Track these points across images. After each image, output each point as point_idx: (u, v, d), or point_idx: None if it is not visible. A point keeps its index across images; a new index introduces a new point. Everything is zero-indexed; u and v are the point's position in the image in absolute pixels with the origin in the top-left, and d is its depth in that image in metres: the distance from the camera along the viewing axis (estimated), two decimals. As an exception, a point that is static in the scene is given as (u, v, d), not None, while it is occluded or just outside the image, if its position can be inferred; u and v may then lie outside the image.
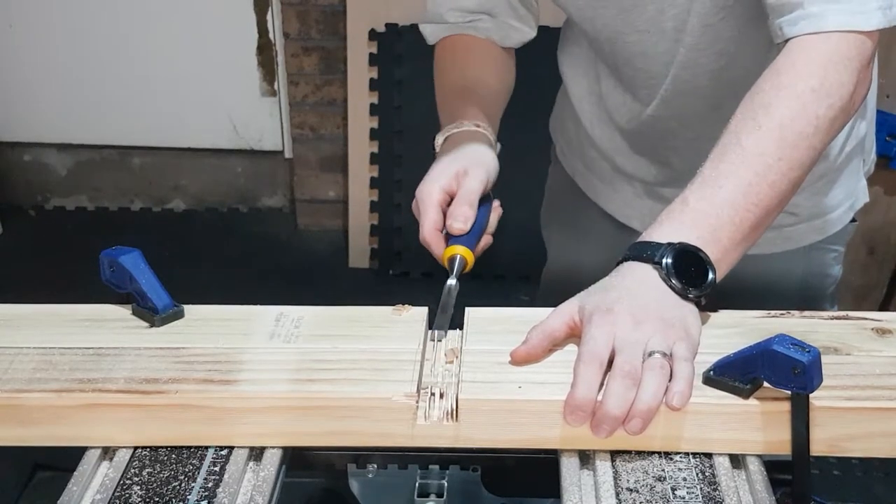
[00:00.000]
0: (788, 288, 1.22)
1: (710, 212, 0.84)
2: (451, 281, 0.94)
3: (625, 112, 1.18)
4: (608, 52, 1.13)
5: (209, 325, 0.89)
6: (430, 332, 0.88)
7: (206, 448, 0.80)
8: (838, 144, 1.12)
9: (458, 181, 0.99)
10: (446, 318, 0.89)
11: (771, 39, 0.93)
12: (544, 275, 1.49)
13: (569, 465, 0.78)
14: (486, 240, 1.00)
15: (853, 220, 1.24)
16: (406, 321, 0.89)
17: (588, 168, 1.30)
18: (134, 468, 0.78)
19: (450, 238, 0.97)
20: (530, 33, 1.21)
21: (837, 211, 1.20)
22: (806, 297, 1.24)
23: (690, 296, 0.82)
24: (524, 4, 1.19)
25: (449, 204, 0.99)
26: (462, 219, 0.96)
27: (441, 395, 0.81)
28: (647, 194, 1.24)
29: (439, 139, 1.07)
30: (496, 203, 1.03)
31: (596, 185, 1.31)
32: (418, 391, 0.80)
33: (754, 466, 0.78)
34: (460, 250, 0.95)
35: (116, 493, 0.75)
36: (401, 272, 2.93)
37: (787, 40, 0.89)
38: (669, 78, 1.07)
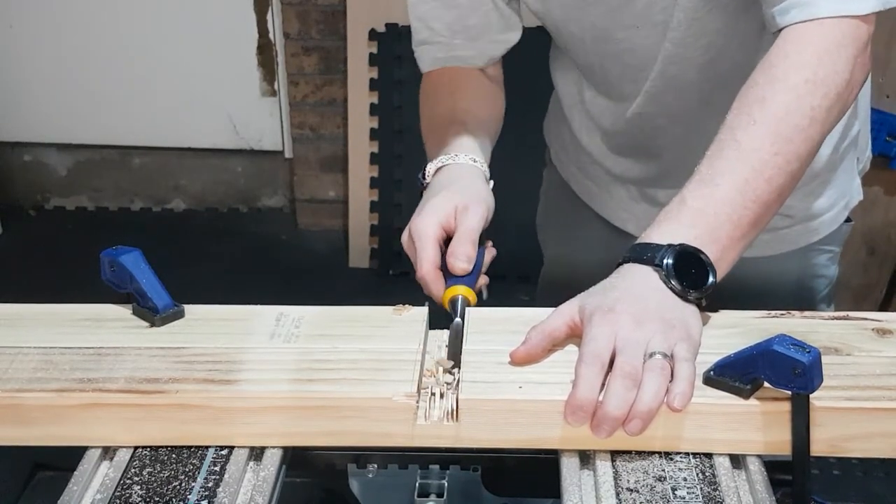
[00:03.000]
0: (784, 290, 1.22)
1: (707, 210, 0.84)
2: (458, 319, 0.89)
3: (609, 116, 1.17)
4: (594, 53, 1.11)
5: (209, 325, 0.89)
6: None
7: (207, 448, 0.80)
8: (832, 144, 1.12)
9: (458, 218, 0.95)
10: (457, 360, 0.85)
11: (759, 30, 0.92)
12: (541, 278, 1.49)
13: (569, 465, 0.78)
14: (483, 280, 0.97)
15: (848, 220, 1.23)
16: (406, 321, 0.89)
17: (582, 172, 1.30)
18: (134, 468, 0.78)
19: (448, 278, 0.93)
20: (514, 37, 1.17)
21: (831, 212, 1.20)
22: (802, 299, 1.24)
23: (691, 297, 0.82)
24: (510, 6, 1.15)
25: (446, 240, 0.95)
26: (465, 258, 0.92)
27: (441, 395, 0.81)
28: (643, 197, 1.23)
29: (431, 168, 1.03)
30: (489, 243, 1.00)
31: (591, 188, 1.30)
32: (418, 391, 0.80)
33: (754, 466, 0.78)
34: (462, 290, 0.91)
35: (117, 493, 0.75)
36: (401, 272, 2.93)
37: (779, 30, 0.88)
38: (656, 73, 1.06)
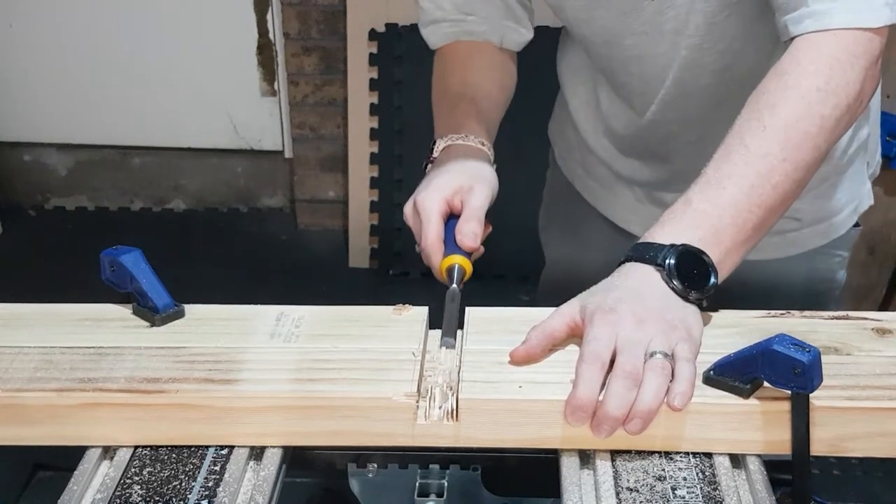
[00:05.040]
0: (792, 293, 1.22)
1: (712, 213, 0.84)
2: (454, 286, 0.93)
3: (623, 119, 1.17)
4: (605, 56, 1.12)
5: (209, 324, 0.89)
6: (441, 341, 0.87)
7: (207, 447, 0.80)
8: (841, 147, 1.12)
9: (463, 196, 0.97)
10: (454, 327, 0.88)
11: (775, 34, 0.92)
12: (543, 279, 1.48)
13: (569, 465, 0.78)
14: (479, 251, 0.99)
15: (857, 225, 1.23)
16: (406, 321, 0.89)
17: (588, 173, 1.30)
18: (134, 467, 0.78)
19: (446, 249, 0.96)
20: (527, 35, 1.19)
21: (841, 215, 1.19)
22: (809, 303, 1.23)
23: (691, 297, 0.82)
24: (520, 2, 1.17)
25: (448, 216, 0.98)
26: (472, 235, 0.95)
27: (441, 395, 0.81)
28: (649, 199, 1.23)
29: (440, 145, 1.05)
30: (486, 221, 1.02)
31: (596, 190, 1.30)
32: (418, 391, 0.80)
33: (754, 466, 0.78)
34: (459, 259, 0.94)
35: (117, 493, 0.75)
36: (401, 272, 2.93)
37: (792, 38, 0.88)
38: (670, 80, 1.06)
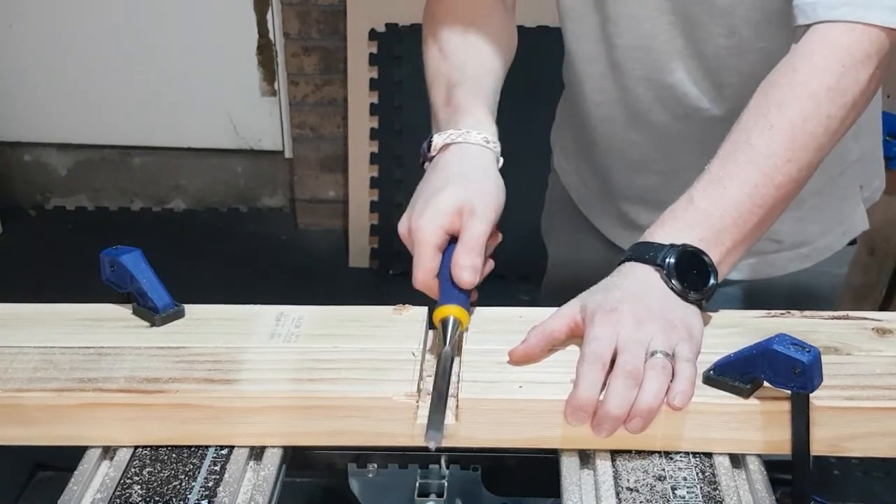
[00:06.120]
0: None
1: (714, 213, 0.83)
2: (447, 349, 0.81)
3: (618, 131, 1.14)
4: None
5: (209, 324, 0.89)
6: (426, 435, 0.75)
7: (207, 447, 0.80)
8: (825, 168, 1.09)
9: (463, 219, 0.87)
10: (441, 413, 0.76)
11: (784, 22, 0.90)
12: (545, 282, 1.48)
13: (569, 465, 0.78)
14: (488, 265, 0.89)
15: (853, 242, 1.19)
16: (406, 321, 0.89)
17: (582, 182, 1.28)
18: (134, 467, 0.78)
19: (443, 288, 0.85)
20: None
21: (825, 239, 1.16)
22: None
23: (691, 298, 0.81)
24: None
25: (449, 242, 0.88)
26: (472, 270, 0.84)
27: (441, 395, 0.81)
28: (637, 221, 1.18)
29: (437, 142, 0.94)
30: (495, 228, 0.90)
31: (588, 200, 1.29)
32: (418, 391, 0.80)
33: (754, 466, 0.78)
34: (454, 311, 0.83)
35: (117, 493, 0.75)
36: (401, 272, 2.93)
37: (810, 25, 0.85)
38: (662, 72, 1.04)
